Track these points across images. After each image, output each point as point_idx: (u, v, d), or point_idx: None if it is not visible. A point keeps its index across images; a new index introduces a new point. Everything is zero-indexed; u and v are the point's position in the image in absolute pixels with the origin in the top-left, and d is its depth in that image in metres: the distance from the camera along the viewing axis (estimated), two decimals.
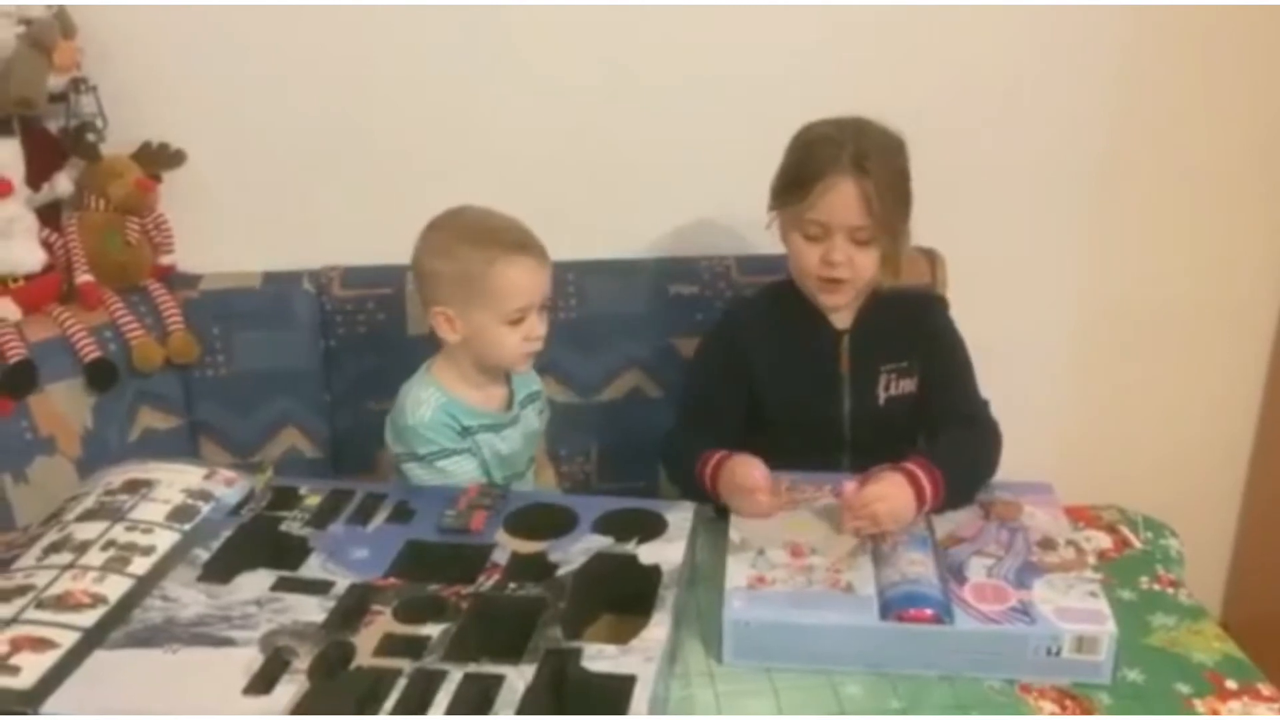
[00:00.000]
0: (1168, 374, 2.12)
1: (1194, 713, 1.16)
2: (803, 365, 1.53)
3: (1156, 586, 1.39)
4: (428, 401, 1.48)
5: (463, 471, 1.47)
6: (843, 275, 1.46)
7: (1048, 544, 1.32)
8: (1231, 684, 1.20)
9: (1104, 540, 1.49)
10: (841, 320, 1.54)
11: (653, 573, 1.24)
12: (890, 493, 1.34)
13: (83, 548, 1.26)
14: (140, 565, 1.25)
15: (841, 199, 1.42)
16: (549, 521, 1.34)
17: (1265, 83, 1.97)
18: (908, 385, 1.55)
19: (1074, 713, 1.15)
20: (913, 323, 1.56)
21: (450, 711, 1.03)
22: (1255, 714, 1.16)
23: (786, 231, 1.50)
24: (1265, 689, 1.20)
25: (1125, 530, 1.52)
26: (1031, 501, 1.41)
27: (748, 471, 1.40)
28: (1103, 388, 2.11)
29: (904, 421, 1.54)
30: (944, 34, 1.85)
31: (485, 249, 1.43)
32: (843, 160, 1.41)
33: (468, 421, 1.49)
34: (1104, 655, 1.18)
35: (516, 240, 1.45)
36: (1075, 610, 1.20)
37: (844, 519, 1.34)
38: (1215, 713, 1.16)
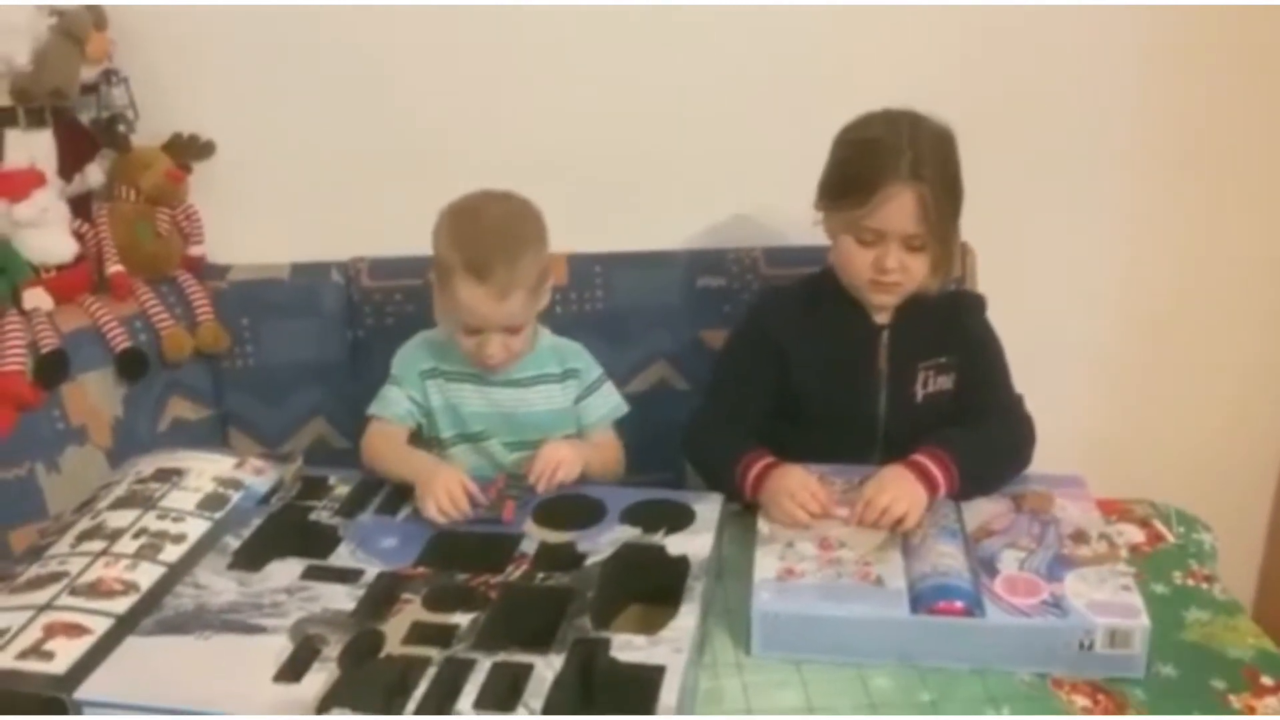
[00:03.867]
0: (1199, 367, 2.09)
1: (1229, 708, 1.15)
2: (841, 360, 1.52)
3: (1190, 581, 1.37)
4: (420, 335, 1.56)
5: (392, 400, 1.51)
6: (896, 279, 1.44)
7: (1080, 537, 1.31)
8: (1267, 680, 1.19)
9: (1136, 534, 1.47)
10: (881, 316, 1.53)
11: (681, 564, 1.24)
12: (889, 485, 1.34)
13: (115, 535, 1.27)
14: (172, 553, 1.26)
15: (900, 208, 1.40)
16: (577, 512, 1.34)
17: None
18: (945, 382, 1.54)
19: (1106, 707, 1.14)
20: (951, 320, 1.54)
21: (479, 699, 1.03)
22: None
23: (836, 233, 1.48)
24: None
25: (1158, 524, 1.50)
26: (1063, 494, 1.40)
27: (800, 484, 1.37)
28: (1134, 381, 2.09)
29: (939, 419, 1.52)
30: (973, 28, 1.83)
31: (455, 253, 1.41)
32: (902, 169, 1.39)
33: (446, 366, 1.52)
34: (1137, 649, 1.17)
35: (482, 263, 1.39)
36: (1108, 604, 1.19)
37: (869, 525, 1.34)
38: (1251, 709, 1.14)
